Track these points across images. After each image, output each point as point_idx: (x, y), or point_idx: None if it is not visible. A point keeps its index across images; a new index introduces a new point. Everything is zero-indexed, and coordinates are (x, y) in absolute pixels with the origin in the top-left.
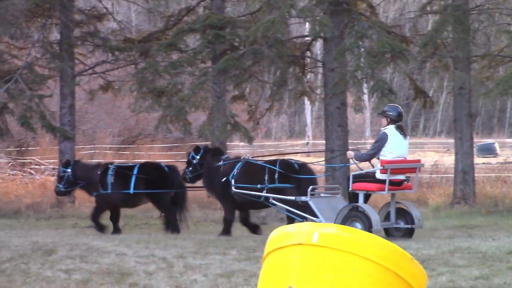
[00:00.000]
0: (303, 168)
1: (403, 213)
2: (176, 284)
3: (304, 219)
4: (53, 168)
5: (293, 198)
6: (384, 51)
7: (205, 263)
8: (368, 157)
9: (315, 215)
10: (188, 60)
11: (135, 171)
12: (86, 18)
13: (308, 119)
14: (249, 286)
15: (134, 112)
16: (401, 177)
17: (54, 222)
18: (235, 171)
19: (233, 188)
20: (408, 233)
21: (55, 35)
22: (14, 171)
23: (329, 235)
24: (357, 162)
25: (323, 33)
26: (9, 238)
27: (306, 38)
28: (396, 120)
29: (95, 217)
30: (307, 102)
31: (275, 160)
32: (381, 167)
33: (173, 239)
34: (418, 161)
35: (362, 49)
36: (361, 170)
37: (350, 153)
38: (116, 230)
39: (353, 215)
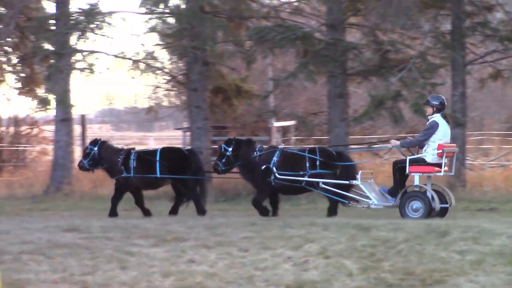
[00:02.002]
0: (341, 155)
1: (437, 194)
2: None
3: (352, 201)
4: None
5: (346, 182)
6: None
7: None
8: (418, 143)
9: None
10: None
11: (157, 156)
12: (477, 9)
13: None
14: None
15: None
16: (446, 160)
17: None
18: (275, 159)
19: (276, 175)
20: (442, 213)
21: (445, 26)
22: None
23: None
24: (400, 149)
25: None
26: (404, 220)
27: None
28: (441, 109)
29: (114, 200)
30: None
31: (314, 148)
32: (440, 151)
33: None
34: (454, 146)
35: None
36: (405, 156)
37: (395, 142)
38: (146, 213)
39: (413, 195)
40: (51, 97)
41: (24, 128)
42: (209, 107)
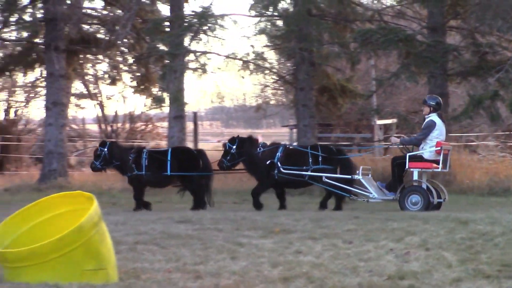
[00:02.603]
0: (340, 151)
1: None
2: None
3: (354, 195)
4: None
5: (349, 176)
6: None
7: None
8: (416, 141)
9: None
10: None
11: (168, 155)
12: None
13: None
14: None
15: None
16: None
17: None
18: (279, 154)
19: (281, 169)
20: (437, 207)
21: None
22: (503, 153)
23: None
24: (400, 146)
25: None
26: (501, 214)
27: None
28: (437, 109)
29: (137, 197)
30: None
31: (316, 145)
32: (438, 148)
33: None
34: (450, 144)
35: None
36: (404, 154)
37: (395, 139)
38: (140, 207)
39: (412, 189)
40: (165, 96)
41: (139, 125)
42: (315, 105)
